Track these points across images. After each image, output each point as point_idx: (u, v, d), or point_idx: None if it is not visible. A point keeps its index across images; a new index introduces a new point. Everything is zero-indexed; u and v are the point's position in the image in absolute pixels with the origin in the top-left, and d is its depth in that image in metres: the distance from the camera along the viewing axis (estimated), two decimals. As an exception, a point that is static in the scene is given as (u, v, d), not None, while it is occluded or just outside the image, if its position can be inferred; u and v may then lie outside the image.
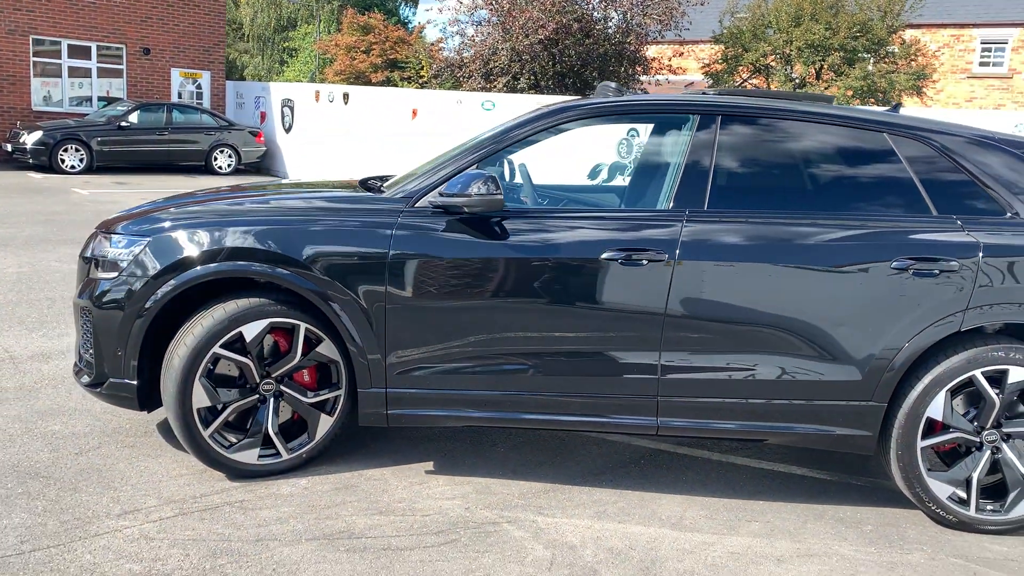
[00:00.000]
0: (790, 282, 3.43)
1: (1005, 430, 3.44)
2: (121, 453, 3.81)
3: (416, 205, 3.55)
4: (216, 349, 3.46)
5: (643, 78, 22.25)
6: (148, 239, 3.57)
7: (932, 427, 3.45)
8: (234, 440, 3.60)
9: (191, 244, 3.51)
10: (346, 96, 16.19)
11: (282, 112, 17.81)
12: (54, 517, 3.20)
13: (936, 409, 3.41)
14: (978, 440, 3.44)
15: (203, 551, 3.03)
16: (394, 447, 4.02)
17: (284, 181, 4.50)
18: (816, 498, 3.76)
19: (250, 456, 3.60)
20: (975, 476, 3.44)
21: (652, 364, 3.46)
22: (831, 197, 3.56)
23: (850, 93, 20.92)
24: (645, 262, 3.40)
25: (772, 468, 4.05)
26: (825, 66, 21.77)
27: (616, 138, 11.70)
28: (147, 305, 3.51)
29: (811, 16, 21.09)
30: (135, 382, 3.60)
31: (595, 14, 20.92)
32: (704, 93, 3.92)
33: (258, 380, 3.58)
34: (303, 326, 3.56)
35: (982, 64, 26.43)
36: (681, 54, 24.07)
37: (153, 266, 3.52)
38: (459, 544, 3.17)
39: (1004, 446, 3.44)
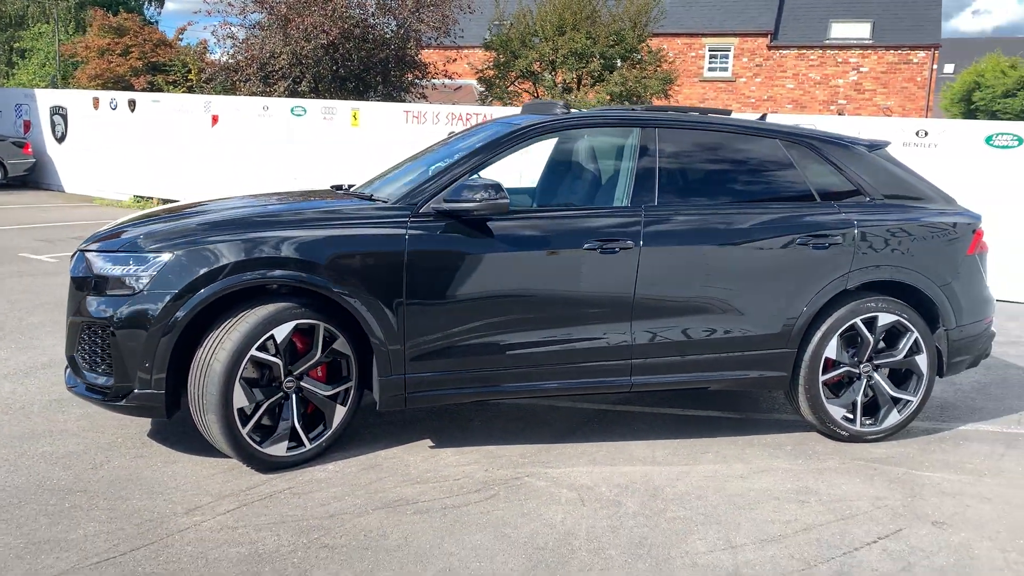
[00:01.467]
0: (725, 259, 4.32)
1: (875, 362, 4.55)
2: (135, 463, 3.94)
3: (421, 211, 4.02)
4: (252, 352, 3.74)
5: (421, 82, 23.00)
6: (169, 255, 3.75)
7: (827, 365, 4.49)
8: (259, 437, 3.88)
9: (218, 257, 3.74)
10: (132, 103, 15.41)
11: (52, 121, 16.54)
12: (125, 522, 3.36)
13: (831, 350, 4.46)
14: (858, 372, 4.53)
15: (290, 530, 3.35)
16: (390, 431, 4.45)
17: (259, 194, 4.70)
18: (740, 431, 4.70)
19: (280, 449, 3.90)
20: (858, 399, 4.53)
21: (626, 333, 4.21)
22: (744, 190, 4.50)
23: (609, 98, 22.96)
24: (617, 250, 4.14)
25: (695, 414, 4.95)
26: (585, 72, 23.72)
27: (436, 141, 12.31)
28: (176, 319, 3.70)
29: (573, 26, 22.90)
30: (163, 392, 3.77)
31: (372, 20, 21.36)
32: (634, 110, 4.72)
33: (283, 378, 3.89)
34: (322, 325, 3.92)
35: (711, 69, 29.95)
36: (454, 60, 25.12)
37: (180, 281, 3.71)
38: (500, 497, 3.73)
39: (875, 374, 4.55)
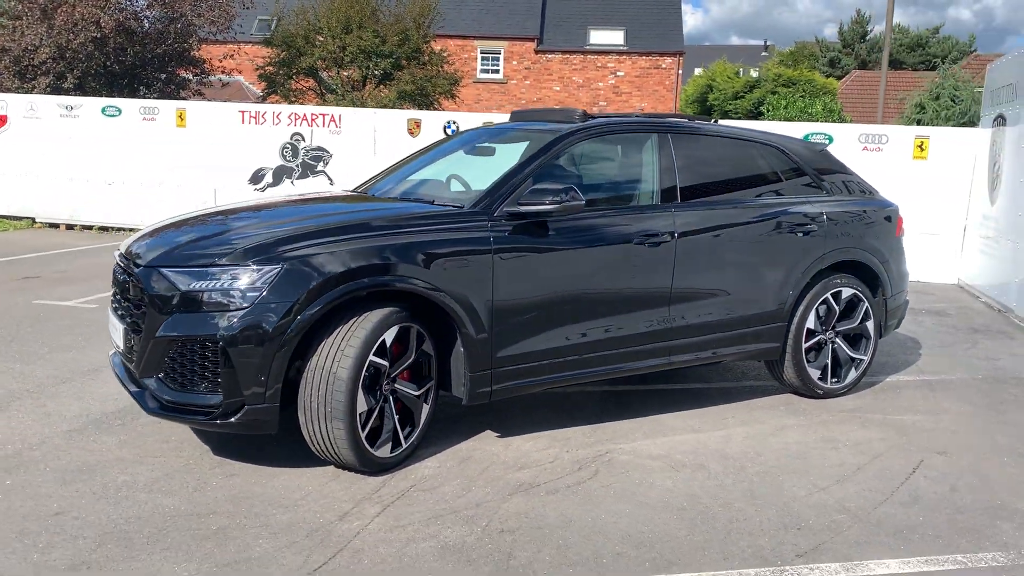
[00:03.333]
0: (736, 248, 4.95)
1: (837, 329, 5.42)
2: (236, 482, 3.83)
3: (496, 213, 4.25)
4: (371, 357, 3.79)
5: (199, 78, 21.88)
6: (277, 267, 3.69)
7: (807, 335, 5.28)
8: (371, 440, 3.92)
9: (330, 266, 3.75)
10: None
11: None
12: (293, 535, 3.33)
13: (811, 322, 5.25)
14: (826, 338, 5.37)
15: (456, 522, 3.50)
16: (451, 428, 4.61)
17: (303, 195, 4.72)
18: (732, 398, 5.37)
19: (387, 451, 3.98)
20: (828, 362, 5.37)
21: (665, 317, 4.71)
22: (738, 188, 5.16)
23: (397, 96, 23.17)
24: (660, 244, 4.63)
25: (685, 387, 5.56)
26: (371, 71, 23.75)
27: (280, 142, 11.98)
28: (292, 330, 3.67)
29: (359, 24, 22.85)
30: (278, 405, 3.72)
31: (146, 13, 20.05)
32: (638, 116, 5.20)
33: (383, 381, 3.96)
34: (415, 328, 4.04)
35: (483, 71, 31.07)
36: (231, 55, 24.05)
37: (295, 292, 3.67)
38: (604, 472, 4.09)
39: (837, 340, 5.42)
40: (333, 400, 3.72)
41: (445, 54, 24.76)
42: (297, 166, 12.07)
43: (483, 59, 31.12)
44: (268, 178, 12.15)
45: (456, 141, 5.62)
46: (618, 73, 31.13)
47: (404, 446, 4.07)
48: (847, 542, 3.45)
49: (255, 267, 3.71)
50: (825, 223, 5.27)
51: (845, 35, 51.90)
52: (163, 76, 20.51)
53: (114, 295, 4.31)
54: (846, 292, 5.37)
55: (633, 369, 4.73)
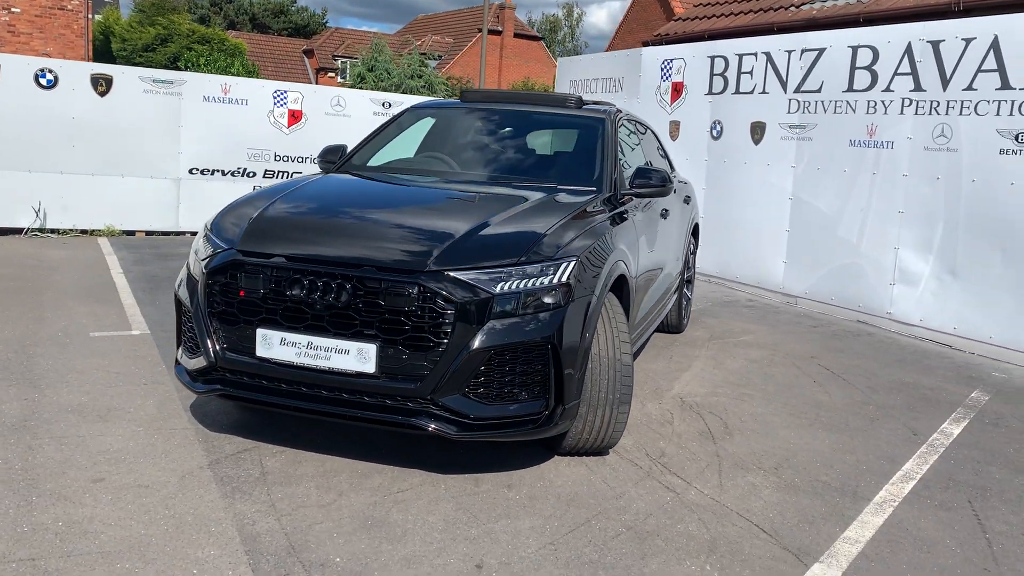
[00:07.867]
0: (674, 217, 5.88)
1: (686, 277, 6.78)
2: (524, 492, 3.53)
3: (620, 197, 4.51)
4: (613, 340, 3.88)
5: None
6: (573, 261, 3.50)
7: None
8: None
9: (602, 258, 3.76)
10: None
11: None
12: (697, 527, 3.41)
13: (686, 273, 6.53)
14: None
15: (760, 475, 3.93)
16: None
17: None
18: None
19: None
20: (684, 303, 6.73)
21: (665, 278, 5.49)
22: (658, 165, 6.09)
23: None
24: (666, 215, 5.38)
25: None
26: None
27: None
28: (596, 323, 3.59)
29: None
30: (579, 402, 3.59)
31: None
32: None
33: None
34: (599, 308, 4.18)
35: None
36: None
37: (594, 285, 3.60)
38: (726, 414, 4.72)
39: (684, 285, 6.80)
40: (622, 386, 3.72)
41: None
42: None
43: None
44: None
45: (408, 118, 5.36)
46: (13, 9, 26.54)
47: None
48: (947, 409, 5.08)
49: (562, 262, 3.47)
50: (692, 193, 6.56)
51: (213, -7, 52.02)
52: None
53: (303, 308, 3.36)
54: (692, 247, 6.78)
55: (658, 325, 5.42)
